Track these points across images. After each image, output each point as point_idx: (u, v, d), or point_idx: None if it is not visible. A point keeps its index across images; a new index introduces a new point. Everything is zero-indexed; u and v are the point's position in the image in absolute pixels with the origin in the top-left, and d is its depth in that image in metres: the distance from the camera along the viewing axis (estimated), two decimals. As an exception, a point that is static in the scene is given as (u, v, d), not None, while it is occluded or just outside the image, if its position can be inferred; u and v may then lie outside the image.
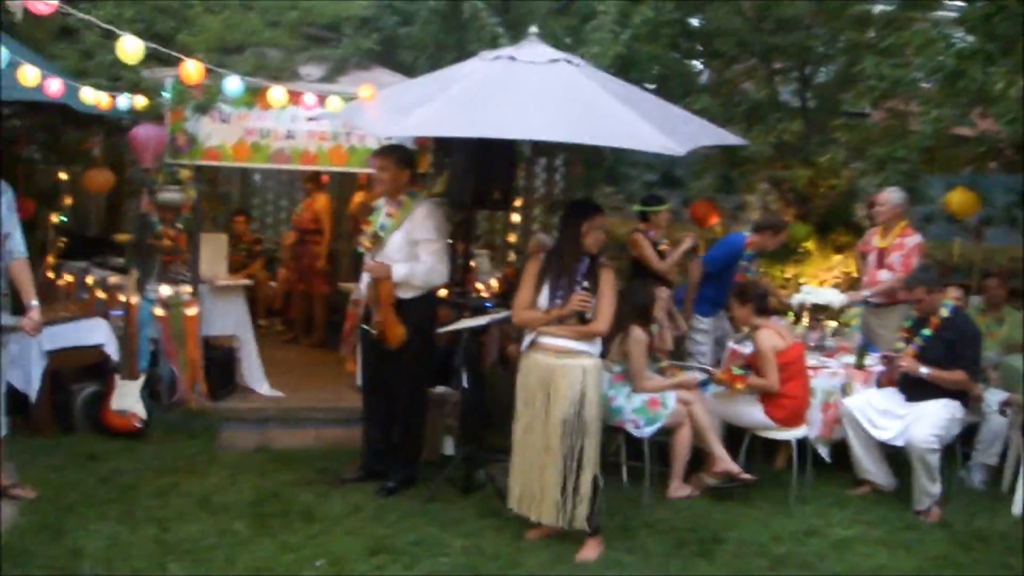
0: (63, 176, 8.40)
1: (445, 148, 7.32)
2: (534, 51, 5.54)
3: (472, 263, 8.13)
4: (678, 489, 6.23)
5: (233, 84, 5.34)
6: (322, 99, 6.00)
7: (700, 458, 6.38)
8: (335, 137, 7.44)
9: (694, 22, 9.39)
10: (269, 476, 6.23)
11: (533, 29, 5.76)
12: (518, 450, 5.32)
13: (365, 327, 6.06)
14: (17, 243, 5.43)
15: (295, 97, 6.63)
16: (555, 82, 5.30)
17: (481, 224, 9.67)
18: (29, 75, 4.86)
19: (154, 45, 4.85)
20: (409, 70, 7.31)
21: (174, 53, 5.04)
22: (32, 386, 6.63)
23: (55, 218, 8.49)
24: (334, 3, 7.60)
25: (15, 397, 6.62)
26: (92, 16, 6.12)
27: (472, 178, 6.65)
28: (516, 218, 9.31)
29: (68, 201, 8.67)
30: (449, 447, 6.59)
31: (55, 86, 5.16)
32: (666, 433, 6.21)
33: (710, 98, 8.22)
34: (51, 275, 8.20)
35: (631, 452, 6.34)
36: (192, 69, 4.80)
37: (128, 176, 8.16)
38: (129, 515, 5.44)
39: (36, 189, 8.26)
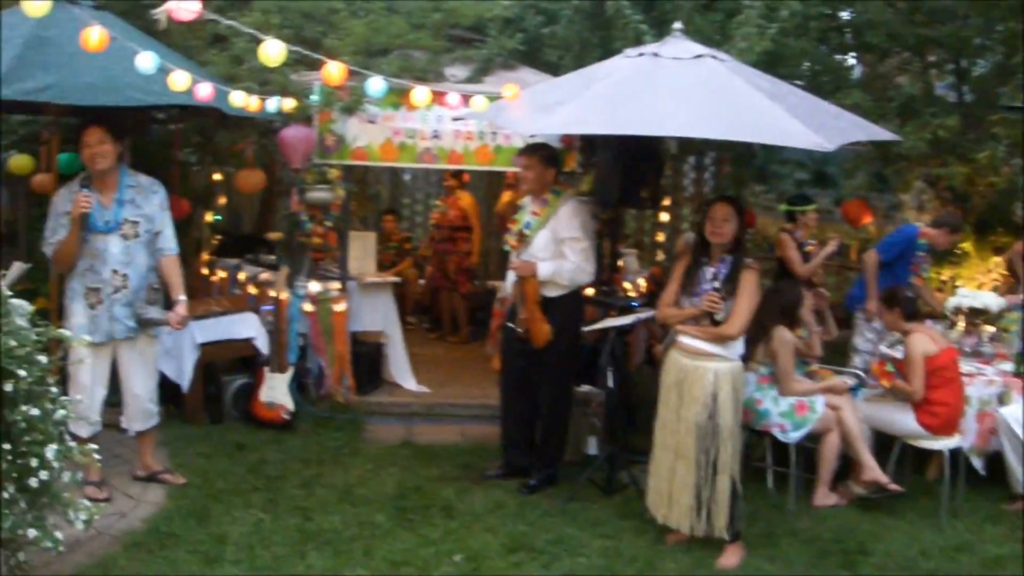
0: (217, 177, 8.68)
1: (591, 146, 7.26)
2: (679, 47, 5.41)
3: (619, 262, 8.04)
4: (824, 497, 5.99)
5: (376, 85, 5.40)
6: (466, 99, 6.01)
7: (848, 466, 6.12)
8: (481, 137, 7.47)
9: (844, 15, 9.03)
10: (412, 470, 6.29)
11: (677, 25, 5.64)
12: (655, 451, 5.23)
13: (510, 325, 6.04)
14: (168, 240, 5.65)
15: (439, 97, 6.67)
16: (700, 78, 5.17)
17: (629, 223, 9.57)
18: (179, 80, 5.02)
19: (297, 48, 4.94)
20: (554, 69, 7.28)
21: (317, 56, 5.10)
22: (184, 377, 6.89)
23: (209, 217, 8.79)
24: (477, 4, 7.62)
25: (168, 387, 6.90)
26: (241, 23, 6.32)
27: (618, 176, 6.58)
28: (665, 217, 9.17)
29: (222, 201, 8.95)
30: (592, 447, 6.49)
31: (205, 90, 5.32)
32: (813, 439, 5.98)
33: (861, 93, 7.87)
34: (205, 271, 8.50)
35: (777, 457, 6.14)
36: (334, 70, 4.86)
37: (278, 176, 8.36)
38: (273, 504, 5.57)
39: (191, 189, 8.55)
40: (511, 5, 7.72)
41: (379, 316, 8.08)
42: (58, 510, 2.73)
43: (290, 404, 6.98)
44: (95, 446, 3.05)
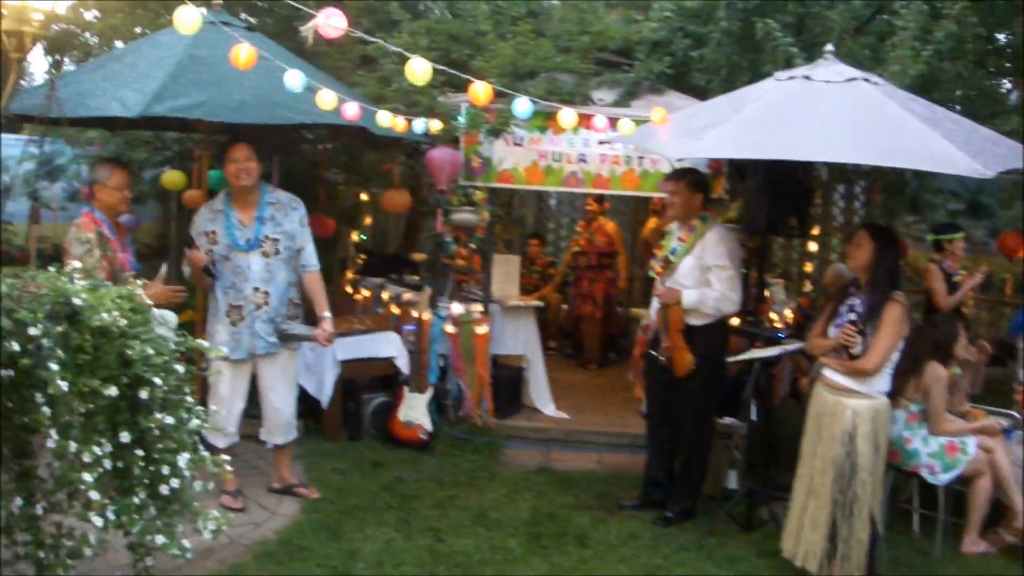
0: (364, 197, 8.82)
1: (739, 172, 7.06)
2: (830, 70, 5.21)
3: (766, 292, 7.80)
4: (973, 544, 5.61)
5: (522, 106, 5.36)
6: (613, 122, 5.93)
7: (999, 511, 5.74)
8: (627, 161, 7.36)
9: (1001, 38, 8.56)
10: (547, 496, 6.19)
11: (829, 48, 5.43)
12: (795, 486, 5.01)
13: (652, 353, 5.90)
14: (310, 256, 5.73)
15: (585, 120, 6.61)
16: (853, 101, 4.95)
17: (776, 252, 9.28)
18: (326, 99, 5.10)
19: (443, 67, 4.95)
20: (702, 93, 7.10)
21: (463, 75, 5.10)
22: (324, 393, 6.98)
23: (355, 236, 8.94)
24: (625, 27, 7.54)
25: (308, 402, 7.01)
26: (389, 44, 6.39)
27: (766, 203, 6.36)
28: (813, 247, 8.85)
29: (368, 220, 9.09)
30: (732, 481, 6.25)
31: (352, 110, 5.39)
32: (964, 482, 5.63)
33: (1020, 119, 7.45)
34: (349, 290, 8.63)
35: (924, 499, 5.81)
36: (480, 90, 4.85)
37: (424, 197, 8.44)
38: (406, 523, 5.56)
39: (337, 209, 8.71)
40: (659, 28, 7.58)
41: (520, 340, 8.03)
42: (187, 518, 2.75)
43: (428, 424, 6.98)
44: (228, 457, 3.06)
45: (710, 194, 6.09)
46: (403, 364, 7.27)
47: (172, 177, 7.80)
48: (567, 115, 5.41)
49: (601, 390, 8.85)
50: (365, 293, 8.51)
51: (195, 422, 2.88)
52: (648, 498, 6.02)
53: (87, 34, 8.95)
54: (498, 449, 7.15)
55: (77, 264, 2.83)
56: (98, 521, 2.47)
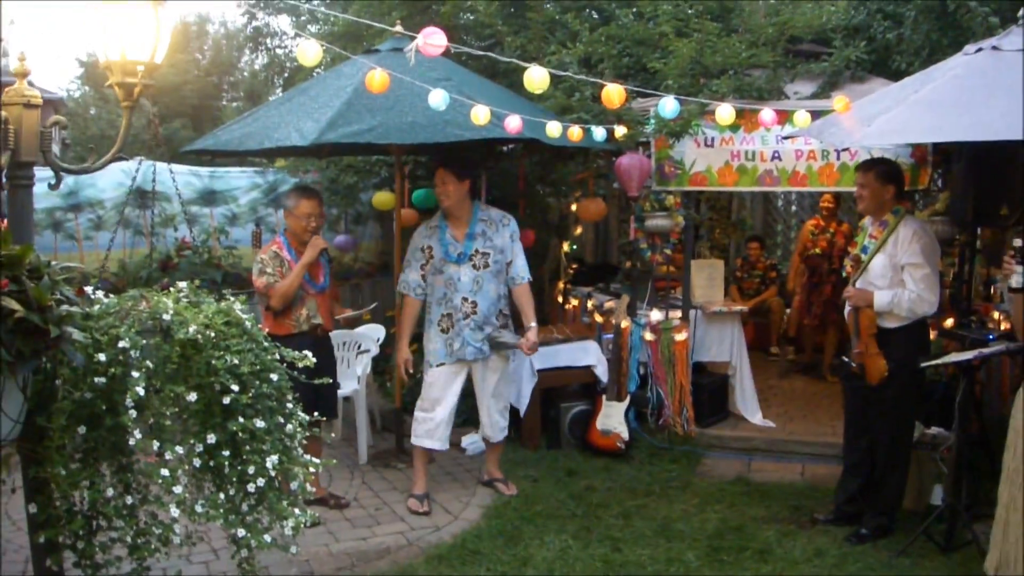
0: (573, 207, 8.90)
1: (946, 160, 6.60)
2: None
3: (992, 289, 7.22)
4: None
5: (669, 106, 5.28)
6: (785, 116, 5.71)
7: None
8: (824, 155, 7.02)
9: None
10: (738, 508, 6.02)
11: (1022, 13, 4.94)
12: (999, 507, 4.54)
13: (844, 359, 5.61)
14: (520, 269, 6.05)
15: (753, 117, 6.39)
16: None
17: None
18: (480, 115, 5.23)
19: (567, 74, 4.96)
20: (905, 77, 6.68)
21: (594, 79, 5.09)
22: (523, 401, 7.10)
23: (566, 247, 9.04)
24: (809, 14, 7.20)
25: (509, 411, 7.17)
26: (567, 54, 6.45)
27: (973, 191, 5.92)
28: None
29: (578, 231, 9.17)
30: (938, 496, 5.80)
31: (514, 122, 5.48)
32: None
33: None
34: (560, 299, 8.74)
35: None
36: (613, 92, 4.82)
37: (623, 205, 8.43)
38: (586, 531, 5.57)
39: (542, 220, 8.84)
40: (854, 13, 7.20)
41: (726, 346, 7.83)
42: (274, 515, 2.94)
43: (625, 433, 6.95)
44: (318, 461, 3.22)
45: (903, 185, 5.70)
46: (602, 372, 7.28)
47: (381, 198, 8.22)
48: (724, 111, 5.27)
49: (816, 397, 8.47)
50: (574, 302, 8.59)
51: (290, 427, 3.06)
52: (842, 512, 5.71)
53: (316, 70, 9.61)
54: (697, 458, 7.03)
55: (183, 285, 3.10)
56: (176, 512, 2.71)
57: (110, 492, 2.73)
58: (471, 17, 8.53)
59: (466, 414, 7.40)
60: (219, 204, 9.34)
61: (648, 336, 7.36)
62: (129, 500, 2.76)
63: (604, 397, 7.10)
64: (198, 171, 9.31)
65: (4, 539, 5.41)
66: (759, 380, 8.05)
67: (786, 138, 6.78)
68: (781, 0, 7.77)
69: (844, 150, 6.94)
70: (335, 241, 9.02)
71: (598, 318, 7.93)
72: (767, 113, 5.73)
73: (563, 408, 7.26)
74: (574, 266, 9.16)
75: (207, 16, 26.75)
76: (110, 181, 8.58)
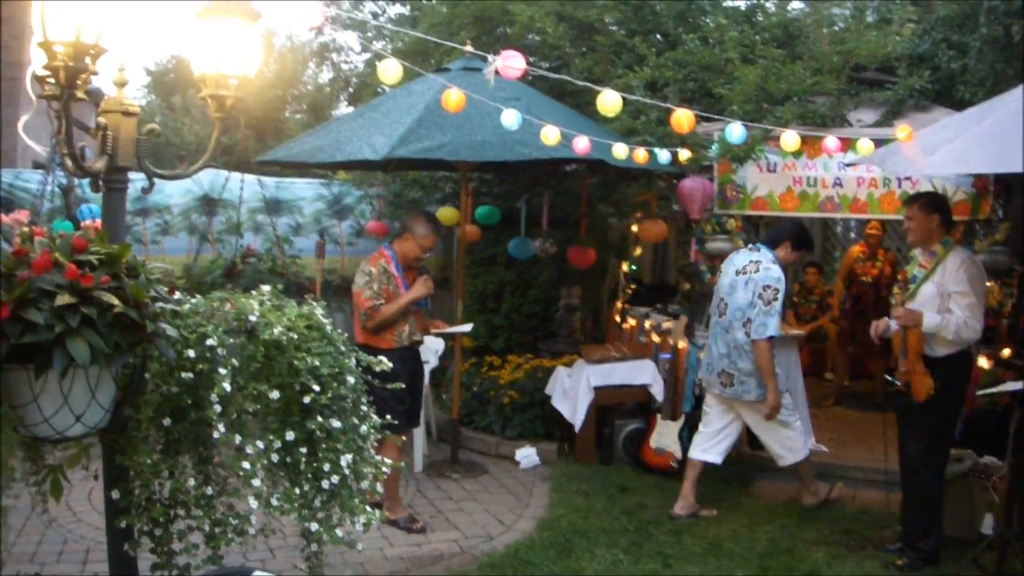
0: (633, 228, 8.99)
1: (1007, 190, 6.60)
2: (1091, 70, 4.79)
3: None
4: None
5: (736, 132, 5.38)
6: (848, 143, 5.77)
7: None
8: (886, 183, 7.04)
9: None
10: (789, 529, 6.06)
11: (1088, 44, 4.98)
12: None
13: (888, 378, 5.65)
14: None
15: (819, 143, 6.44)
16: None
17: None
18: (550, 135, 5.36)
19: (635, 98, 5.05)
20: (969, 107, 6.70)
21: (666, 105, 5.19)
22: (578, 417, 7.19)
23: (625, 267, 9.13)
24: (874, 43, 7.23)
25: (564, 426, 7.28)
26: (634, 78, 6.56)
27: (1029, 221, 5.94)
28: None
29: (637, 251, 9.25)
30: (988, 525, 5.79)
31: (582, 143, 5.61)
32: None
33: None
34: (618, 319, 8.83)
35: None
36: (682, 118, 4.92)
37: (682, 227, 8.51)
38: (638, 547, 5.65)
39: (602, 240, 8.94)
40: (920, 42, 7.23)
41: (781, 370, 7.80)
42: (347, 512, 3.07)
43: (679, 452, 7.01)
44: (389, 461, 3.35)
45: (950, 214, 5.75)
46: (658, 392, 7.36)
47: (445, 213, 8.38)
48: (790, 137, 5.35)
49: (869, 423, 8.44)
50: (632, 322, 8.67)
51: (364, 428, 3.20)
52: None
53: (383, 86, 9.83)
54: (749, 479, 7.06)
55: (267, 288, 3.26)
56: (254, 504, 2.85)
57: (191, 482, 2.89)
58: (537, 38, 8.68)
59: (521, 427, 7.54)
60: (284, 214, 9.57)
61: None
62: (209, 491, 2.90)
63: (659, 416, 7.18)
64: (264, 181, 9.56)
65: (66, 529, 5.64)
66: (812, 405, 8.06)
67: (848, 165, 6.82)
68: (846, 29, 7.81)
69: (906, 179, 6.97)
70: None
71: (655, 338, 8.00)
72: (831, 140, 5.80)
73: (618, 425, 7.35)
74: (632, 286, 9.23)
75: (273, 29, 27.30)
76: (177, 187, 8.85)
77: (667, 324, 7.90)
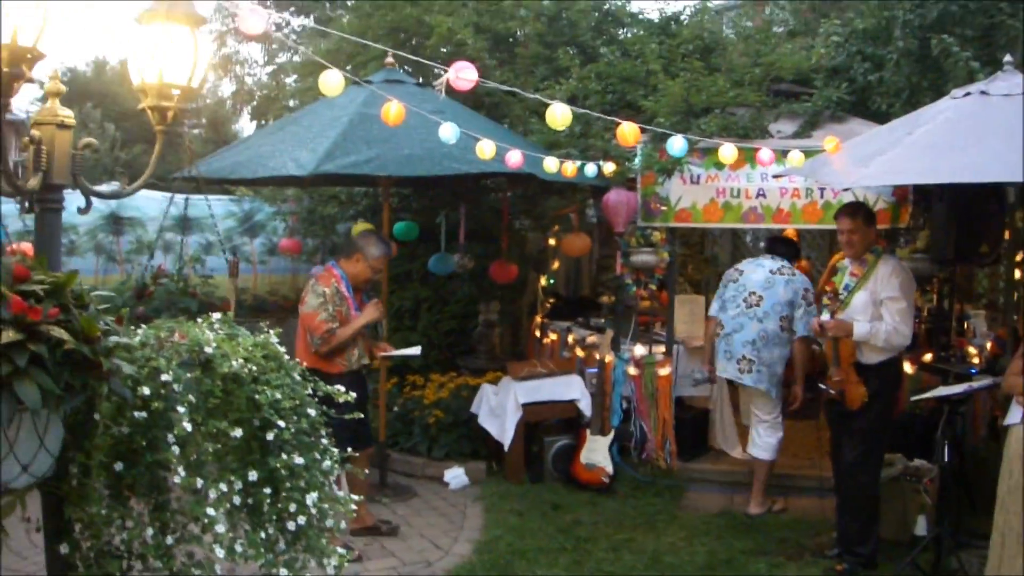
0: (551, 242, 8.94)
1: (926, 199, 6.73)
2: (1010, 82, 4.90)
3: (965, 324, 7.36)
4: None
5: (677, 144, 5.36)
6: (785, 154, 5.81)
7: None
8: (808, 193, 7.12)
9: None
10: (726, 541, 6.04)
11: (1008, 59, 5.10)
12: (993, 535, 4.64)
13: (821, 386, 5.69)
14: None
15: (750, 154, 6.49)
16: (1035, 115, 4.62)
17: (982, 282, 8.70)
18: (486, 149, 5.26)
19: (584, 111, 4.99)
20: (884, 118, 6.78)
21: (611, 119, 5.13)
22: (507, 435, 7.06)
23: (543, 280, 9.05)
24: (795, 55, 7.33)
25: (491, 445, 7.15)
26: (557, 92, 6.48)
27: (953, 230, 6.06)
28: (1018, 274, 8.25)
29: (556, 265, 9.20)
30: (922, 527, 5.89)
31: (515, 157, 5.52)
32: None
33: None
34: (537, 333, 8.74)
35: None
36: (627, 130, 4.86)
37: (608, 240, 8.47)
38: (578, 565, 5.56)
39: (524, 254, 8.85)
40: (835, 54, 7.35)
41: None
42: (315, 554, 2.88)
43: (609, 467, 6.97)
44: (357, 497, 3.18)
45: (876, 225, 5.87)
46: (585, 407, 7.28)
47: (361, 229, 8.14)
48: (727, 150, 5.34)
49: (797, 432, 8.51)
50: (552, 336, 8.59)
51: (327, 463, 3.01)
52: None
53: (287, 99, 9.59)
54: (680, 492, 7.04)
55: (216, 316, 3.04)
56: (221, 553, 2.63)
57: (150, 531, 2.65)
58: (453, 50, 8.55)
59: (448, 447, 7.37)
60: (195, 231, 9.21)
61: (632, 371, 7.37)
62: (169, 540, 2.67)
63: (588, 431, 7.10)
64: (175, 198, 9.17)
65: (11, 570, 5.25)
66: (737, 414, 8.09)
67: (776, 176, 6.87)
68: (761, 42, 7.89)
69: (823, 189, 7.06)
70: (312, 272, 8.93)
71: (580, 352, 7.94)
72: (765, 152, 5.82)
73: (547, 442, 7.25)
74: (551, 300, 9.17)
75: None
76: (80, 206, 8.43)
77: (591, 338, 7.85)
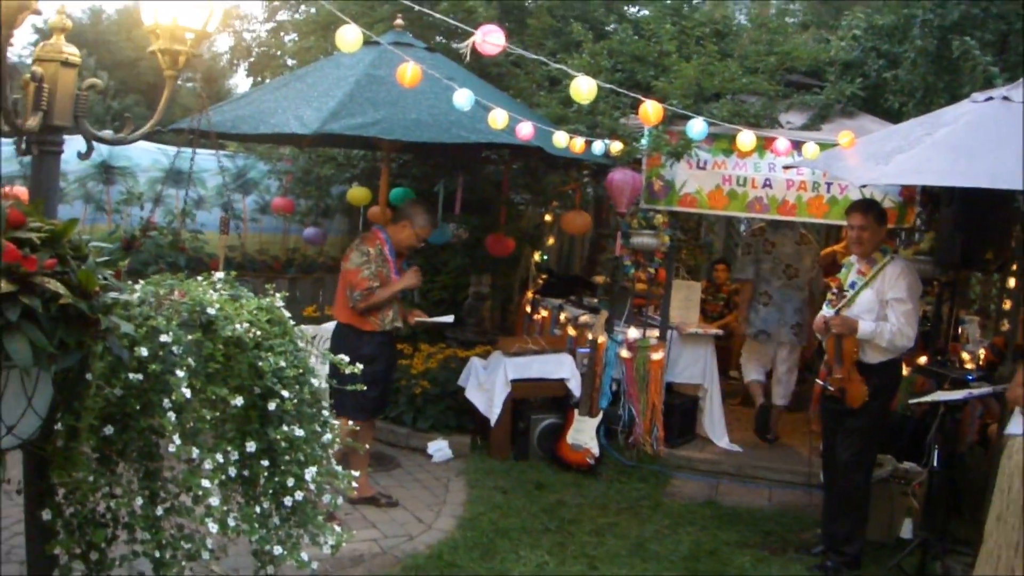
0: (548, 218, 8.80)
1: (934, 201, 6.64)
2: (1034, 89, 4.80)
3: (959, 329, 7.29)
4: None
5: (697, 127, 5.22)
6: (797, 146, 5.68)
7: None
8: (815, 187, 7.00)
9: None
10: (711, 531, 5.98)
11: (1033, 66, 5.00)
12: (986, 543, 4.56)
13: (820, 382, 5.61)
14: None
15: (768, 143, 6.36)
16: (1057, 124, 4.53)
17: (975, 288, 8.63)
18: (498, 119, 5.11)
19: (615, 88, 4.85)
20: (896, 117, 6.68)
21: (631, 94, 4.99)
22: (493, 411, 6.96)
23: (536, 256, 8.92)
24: (814, 47, 7.21)
25: (478, 420, 7.04)
26: (569, 66, 6.33)
27: (961, 235, 5.97)
28: (1012, 283, 8.18)
29: (551, 241, 9.06)
30: (908, 530, 5.85)
31: (526, 129, 5.38)
32: None
33: None
34: (528, 309, 8.61)
35: None
36: (651, 110, 4.72)
37: (606, 219, 8.34)
38: (561, 547, 5.47)
39: (519, 229, 8.70)
40: (851, 48, 7.21)
41: (698, 369, 7.79)
42: (310, 531, 2.76)
43: (596, 449, 6.88)
44: (357, 474, 3.06)
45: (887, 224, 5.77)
46: (575, 386, 7.18)
47: (357, 193, 8.01)
48: (746, 137, 5.21)
49: (781, 424, 8.46)
50: (544, 313, 8.47)
51: (327, 436, 2.89)
52: (829, 541, 5.69)
53: (286, 57, 9.37)
54: (665, 479, 6.98)
55: (219, 275, 2.91)
56: (214, 527, 2.50)
57: (139, 501, 2.51)
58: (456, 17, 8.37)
59: (433, 418, 7.26)
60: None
61: (624, 353, 7.28)
62: (159, 511, 2.53)
63: (576, 411, 7.01)
64: (166, 150, 8.96)
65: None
66: (724, 404, 8.04)
67: (786, 168, 6.75)
68: (773, 31, 7.75)
69: (831, 183, 6.95)
70: (304, 234, 8.79)
71: (571, 331, 7.83)
72: (782, 142, 5.70)
73: (533, 420, 7.15)
74: (544, 276, 9.04)
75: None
76: (71, 152, 8.24)
77: (584, 318, 7.74)
